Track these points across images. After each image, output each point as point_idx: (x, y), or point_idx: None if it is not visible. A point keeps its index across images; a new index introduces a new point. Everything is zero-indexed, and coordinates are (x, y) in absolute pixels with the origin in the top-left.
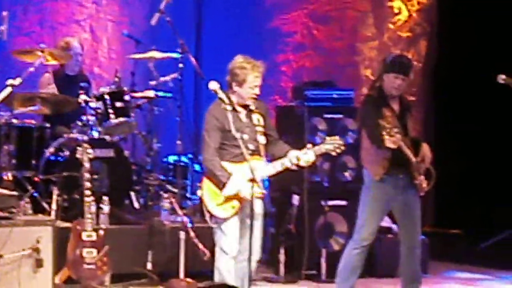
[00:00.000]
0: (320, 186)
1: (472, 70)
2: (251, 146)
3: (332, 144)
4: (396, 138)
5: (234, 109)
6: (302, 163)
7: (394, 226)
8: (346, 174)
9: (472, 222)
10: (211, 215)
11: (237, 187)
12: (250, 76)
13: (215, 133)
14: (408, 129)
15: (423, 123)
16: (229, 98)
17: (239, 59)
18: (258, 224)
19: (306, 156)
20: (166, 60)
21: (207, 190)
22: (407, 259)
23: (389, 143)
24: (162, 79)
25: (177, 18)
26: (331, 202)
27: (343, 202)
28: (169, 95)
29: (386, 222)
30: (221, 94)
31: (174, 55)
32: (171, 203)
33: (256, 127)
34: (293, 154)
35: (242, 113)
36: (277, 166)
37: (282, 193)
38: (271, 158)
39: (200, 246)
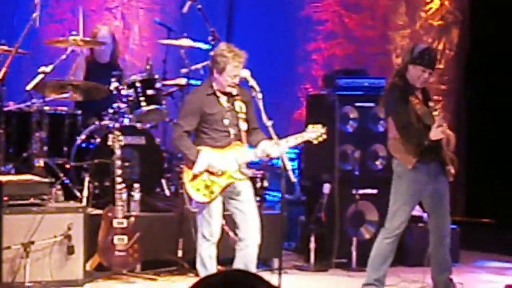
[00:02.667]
0: (351, 175)
1: (504, 59)
2: (233, 131)
3: (314, 133)
4: (445, 128)
5: (214, 94)
6: (272, 156)
7: (424, 215)
8: (377, 162)
9: (504, 212)
10: (192, 200)
11: (206, 162)
12: (229, 65)
13: (191, 116)
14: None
15: (455, 112)
16: (210, 84)
17: (222, 47)
18: (251, 207)
19: (272, 149)
20: (198, 48)
21: (187, 177)
22: (437, 248)
23: (436, 135)
24: (193, 67)
25: (209, 6)
26: (361, 191)
27: (374, 191)
28: (200, 83)
29: (417, 211)
30: (252, 82)
31: (204, 45)
32: None
33: (238, 113)
34: (263, 146)
35: (223, 98)
36: (258, 153)
37: (313, 182)
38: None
39: (230, 233)
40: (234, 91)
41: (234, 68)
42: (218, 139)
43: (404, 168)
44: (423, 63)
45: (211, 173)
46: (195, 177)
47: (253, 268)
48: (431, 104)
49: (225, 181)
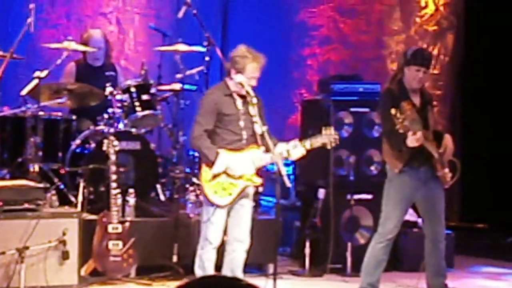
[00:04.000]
0: (346, 180)
1: (499, 64)
2: (245, 135)
3: (328, 137)
4: (419, 136)
5: (231, 95)
6: (291, 158)
7: (419, 220)
8: (372, 168)
9: (498, 217)
10: (209, 202)
11: (225, 164)
12: (249, 65)
13: (210, 115)
14: (428, 122)
15: (450, 117)
16: (226, 85)
17: (241, 48)
18: (247, 213)
19: (295, 150)
20: (193, 53)
21: (205, 178)
22: (432, 253)
23: (412, 142)
24: (188, 72)
25: (204, 11)
26: (356, 196)
27: (369, 196)
28: (195, 88)
29: (412, 216)
30: (247, 88)
31: (201, 48)
32: (196, 195)
33: (252, 117)
34: (282, 148)
35: (239, 100)
36: (275, 157)
37: (308, 187)
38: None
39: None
40: (249, 96)
41: (254, 69)
42: (230, 142)
43: (394, 172)
44: (416, 63)
45: (230, 175)
46: (214, 178)
47: (239, 273)
48: (430, 106)
49: (244, 183)
